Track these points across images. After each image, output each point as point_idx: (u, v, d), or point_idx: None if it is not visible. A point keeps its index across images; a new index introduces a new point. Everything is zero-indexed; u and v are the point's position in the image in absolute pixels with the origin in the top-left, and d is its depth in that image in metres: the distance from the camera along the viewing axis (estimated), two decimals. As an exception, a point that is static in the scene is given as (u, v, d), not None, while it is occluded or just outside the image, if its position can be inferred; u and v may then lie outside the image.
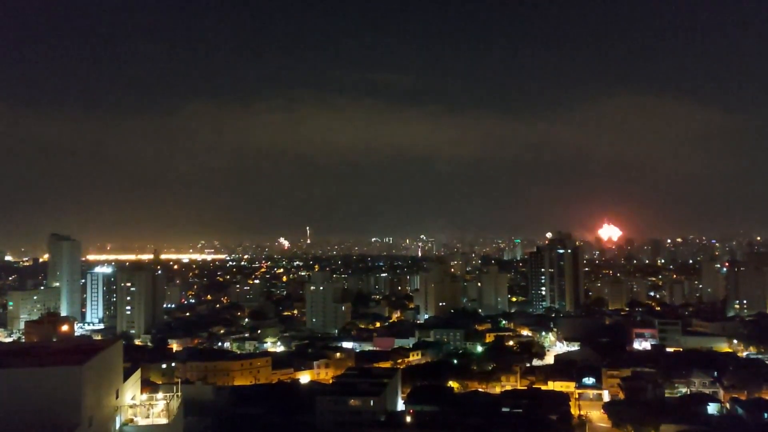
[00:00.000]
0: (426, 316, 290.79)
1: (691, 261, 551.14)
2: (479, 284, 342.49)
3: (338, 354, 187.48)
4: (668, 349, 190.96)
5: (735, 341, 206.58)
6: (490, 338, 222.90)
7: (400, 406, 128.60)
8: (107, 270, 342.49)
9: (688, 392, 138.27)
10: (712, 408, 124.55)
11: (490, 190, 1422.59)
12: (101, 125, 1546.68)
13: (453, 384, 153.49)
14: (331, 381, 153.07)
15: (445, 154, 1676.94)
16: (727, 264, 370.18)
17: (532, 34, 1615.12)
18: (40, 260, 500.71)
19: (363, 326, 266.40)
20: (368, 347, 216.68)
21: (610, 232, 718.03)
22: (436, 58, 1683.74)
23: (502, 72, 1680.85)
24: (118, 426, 52.37)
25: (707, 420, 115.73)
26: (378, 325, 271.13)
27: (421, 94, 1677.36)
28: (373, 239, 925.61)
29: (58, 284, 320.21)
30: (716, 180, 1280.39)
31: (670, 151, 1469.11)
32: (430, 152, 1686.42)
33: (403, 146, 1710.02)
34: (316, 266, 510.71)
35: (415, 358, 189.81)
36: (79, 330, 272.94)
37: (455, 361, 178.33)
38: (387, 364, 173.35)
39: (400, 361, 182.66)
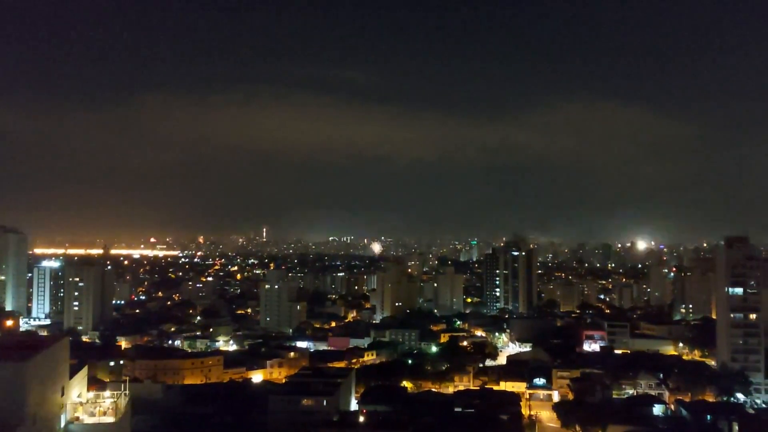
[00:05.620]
0: (382, 316, 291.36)
1: (639, 265, 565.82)
2: (435, 285, 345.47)
3: (292, 353, 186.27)
4: (616, 351, 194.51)
5: (680, 344, 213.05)
6: (444, 338, 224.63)
7: (354, 406, 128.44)
8: (55, 264, 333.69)
9: (635, 393, 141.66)
10: (657, 409, 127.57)
11: (448, 191, 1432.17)
12: (51, 116, 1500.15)
13: (407, 384, 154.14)
14: (284, 380, 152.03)
15: (403, 155, 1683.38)
16: (674, 269, 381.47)
17: (492, 39, 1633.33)
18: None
19: (318, 326, 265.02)
20: (323, 347, 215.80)
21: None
22: (397, 58, 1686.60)
23: (462, 75, 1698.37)
24: (63, 424, 51.16)
25: (653, 421, 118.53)
26: (333, 324, 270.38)
27: (380, 94, 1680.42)
28: (330, 238, 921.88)
29: (3, 278, 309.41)
30: (666, 187, 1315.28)
31: (622, 157, 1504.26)
32: (389, 152, 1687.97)
33: (362, 145, 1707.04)
34: (272, 264, 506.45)
35: (369, 358, 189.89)
36: (24, 325, 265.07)
37: (409, 361, 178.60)
38: (341, 364, 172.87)
39: (354, 360, 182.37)
